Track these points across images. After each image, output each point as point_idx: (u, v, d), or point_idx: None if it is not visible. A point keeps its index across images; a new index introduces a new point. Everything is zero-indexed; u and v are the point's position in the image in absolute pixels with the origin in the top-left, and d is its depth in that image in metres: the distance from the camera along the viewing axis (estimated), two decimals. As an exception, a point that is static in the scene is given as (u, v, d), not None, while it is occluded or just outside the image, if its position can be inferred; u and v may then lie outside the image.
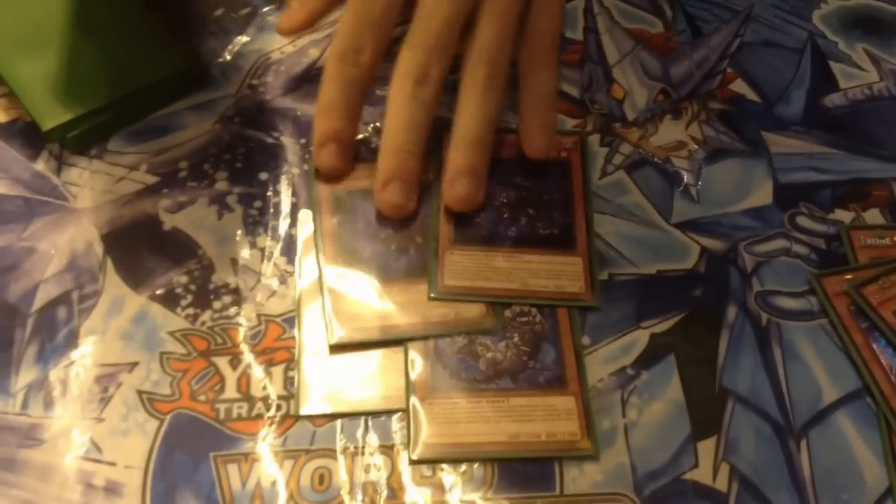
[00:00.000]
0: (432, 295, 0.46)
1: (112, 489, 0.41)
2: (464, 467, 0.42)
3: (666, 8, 0.59)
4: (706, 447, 0.43)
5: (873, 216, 0.51)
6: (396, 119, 0.47)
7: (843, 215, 0.50)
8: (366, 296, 0.46)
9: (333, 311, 0.46)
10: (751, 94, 0.55)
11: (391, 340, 0.45)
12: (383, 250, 0.48)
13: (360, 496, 0.41)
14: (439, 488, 0.42)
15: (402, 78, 0.47)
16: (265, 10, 0.57)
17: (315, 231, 0.48)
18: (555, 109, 0.50)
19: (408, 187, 0.47)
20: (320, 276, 0.47)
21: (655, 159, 0.52)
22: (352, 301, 0.46)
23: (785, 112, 0.54)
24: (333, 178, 0.49)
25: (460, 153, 0.47)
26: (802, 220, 0.50)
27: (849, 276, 0.48)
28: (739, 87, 0.56)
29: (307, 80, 0.55)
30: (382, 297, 0.46)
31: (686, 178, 0.51)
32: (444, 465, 0.42)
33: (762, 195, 0.51)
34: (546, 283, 0.47)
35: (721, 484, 0.42)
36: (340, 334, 0.45)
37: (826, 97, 0.55)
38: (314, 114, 0.49)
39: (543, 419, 0.43)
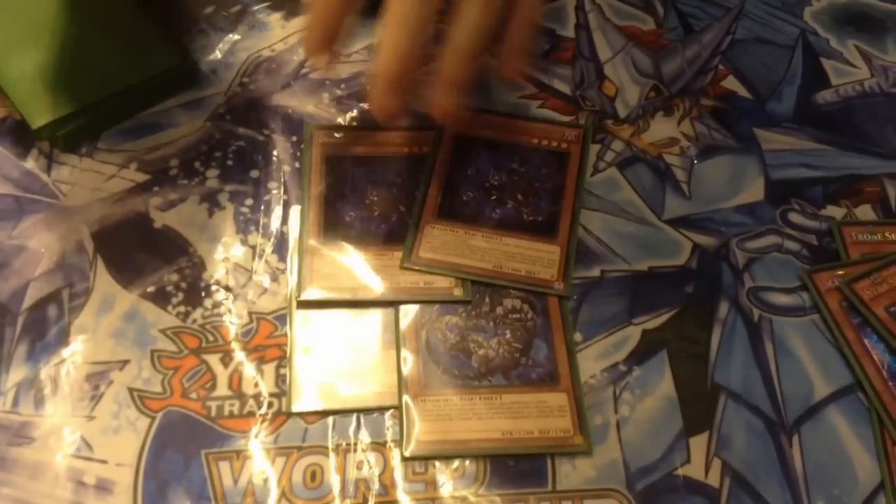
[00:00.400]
0: (405, 264, 0.46)
1: (103, 487, 0.41)
2: (456, 464, 0.42)
3: (657, 5, 0.59)
4: (698, 443, 0.43)
5: (865, 212, 0.51)
6: (394, 25, 0.44)
7: (835, 211, 0.51)
8: (341, 258, 0.47)
9: (308, 270, 0.46)
10: (742, 91, 0.55)
11: (359, 302, 0.46)
12: (366, 216, 0.48)
13: (352, 493, 0.41)
14: (431, 485, 0.41)
15: None
16: (256, 7, 0.57)
17: (303, 192, 0.49)
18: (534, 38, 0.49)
19: (400, 94, 0.45)
20: (301, 236, 0.48)
21: (647, 156, 0.52)
22: (327, 261, 0.47)
23: (776, 109, 0.54)
24: (390, 117, 0.47)
25: (444, 61, 0.45)
26: (794, 217, 0.50)
27: (840, 272, 0.48)
28: (731, 83, 0.55)
29: (298, 78, 0.54)
30: (357, 261, 0.47)
31: (678, 174, 0.51)
32: (437, 462, 0.42)
33: (754, 192, 0.51)
34: (519, 267, 0.47)
35: (713, 479, 0.42)
36: (310, 292, 0.45)
37: (818, 94, 0.55)
38: (380, 59, 0.45)
39: (536, 415, 0.43)
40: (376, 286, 0.46)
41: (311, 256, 0.47)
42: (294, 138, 0.52)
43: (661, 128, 0.53)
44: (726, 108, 0.54)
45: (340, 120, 0.52)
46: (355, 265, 0.47)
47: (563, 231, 0.49)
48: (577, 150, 0.51)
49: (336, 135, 0.52)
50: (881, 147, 0.53)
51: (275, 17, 0.57)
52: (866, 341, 0.46)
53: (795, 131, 0.54)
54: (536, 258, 0.47)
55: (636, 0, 0.59)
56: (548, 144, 0.51)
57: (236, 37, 0.56)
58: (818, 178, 0.52)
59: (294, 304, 0.46)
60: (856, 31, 0.58)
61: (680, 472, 0.42)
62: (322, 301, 0.46)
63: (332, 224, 0.48)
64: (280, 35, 0.56)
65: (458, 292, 0.46)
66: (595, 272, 0.48)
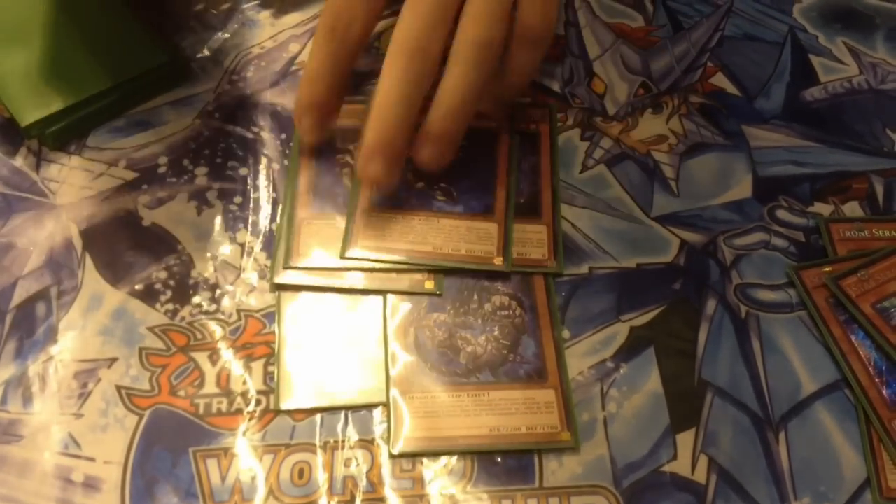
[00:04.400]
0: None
1: (91, 485, 0.41)
2: (444, 461, 0.42)
3: (647, 2, 0.59)
4: (685, 439, 0.43)
5: (852, 209, 0.51)
6: (387, 93, 0.45)
7: (823, 208, 0.51)
8: (325, 243, 0.47)
9: (290, 251, 0.47)
10: (731, 88, 0.55)
11: (334, 289, 0.46)
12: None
13: (339, 490, 0.41)
14: (419, 482, 0.42)
15: (396, 50, 0.45)
16: (246, 5, 0.57)
17: (289, 172, 0.50)
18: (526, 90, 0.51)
19: (391, 163, 0.46)
20: (289, 216, 0.48)
21: (636, 153, 0.52)
22: (310, 244, 0.47)
23: (765, 106, 0.55)
24: (313, 146, 0.50)
25: (433, 118, 0.46)
26: (782, 213, 0.50)
27: (827, 269, 0.48)
28: (720, 80, 0.56)
29: (287, 76, 0.54)
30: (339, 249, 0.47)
31: (666, 171, 0.52)
32: (424, 459, 0.42)
33: (742, 188, 0.51)
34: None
35: (700, 476, 0.42)
36: (288, 275, 0.46)
37: (806, 91, 0.56)
38: (299, 83, 0.48)
39: (524, 412, 0.43)
40: (357, 278, 0.46)
41: (294, 238, 0.47)
42: (283, 136, 0.52)
43: (649, 125, 0.54)
44: (715, 105, 0.54)
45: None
46: (337, 253, 0.47)
47: (547, 211, 0.49)
48: (545, 129, 0.52)
49: None
50: (869, 144, 0.53)
51: (264, 15, 0.57)
52: (853, 338, 0.46)
53: (784, 128, 0.54)
54: (522, 241, 0.48)
55: (626, -3, 0.59)
56: (516, 127, 0.52)
57: (226, 34, 0.56)
58: (806, 175, 0.52)
59: (282, 302, 0.46)
60: (844, 27, 0.59)
61: (667, 468, 0.42)
62: (298, 286, 0.46)
63: (320, 208, 0.49)
64: (270, 32, 0.56)
65: (428, 285, 0.46)
66: (583, 269, 0.48)
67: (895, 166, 0.52)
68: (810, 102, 0.55)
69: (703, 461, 0.43)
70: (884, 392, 0.44)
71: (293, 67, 0.55)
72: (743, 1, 0.59)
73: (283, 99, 0.54)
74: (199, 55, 0.55)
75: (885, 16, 0.59)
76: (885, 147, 0.53)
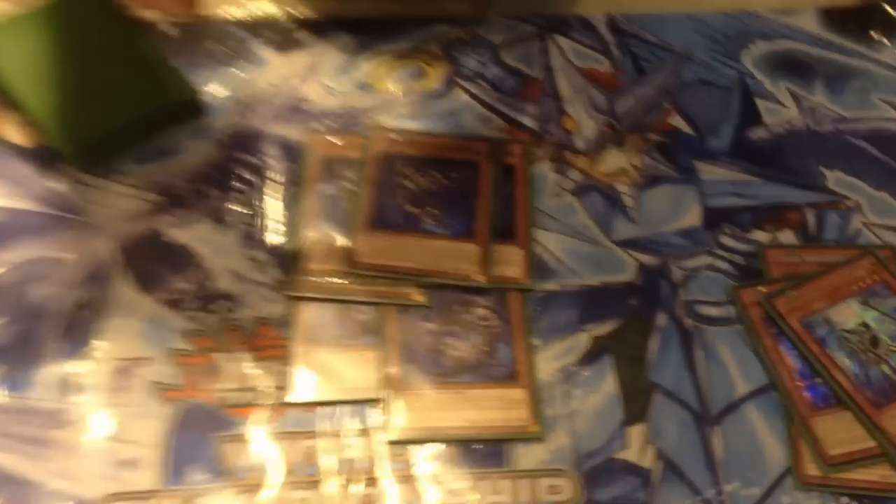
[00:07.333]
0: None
1: (132, 464, 0.48)
2: (431, 447, 0.49)
3: (613, 49, 0.66)
4: (636, 432, 0.51)
5: (787, 237, 0.58)
6: None
7: (762, 236, 0.58)
8: (329, 260, 0.55)
9: (298, 266, 0.54)
10: (685, 128, 0.62)
11: (338, 300, 0.54)
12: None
13: (341, 471, 0.48)
14: (409, 465, 0.49)
15: None
16: (254, 45, 0.64)
17: (297, 196, 0.57)
18: None
19: None
20: (298, 235, 0.55)
21: (600, 184, 0.59)
22: (317, 249, 0.55)
23: (715, 144, 0.62)
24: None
25: None
26: (726, 240, 0.58)
27: (762, 289, 0.55)
28: (676, 120, 0.63)
29: (292, 109, 0.61)
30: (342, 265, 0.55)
31: (626, 201, 0.59)
32: (414, 445, 0.49)
33: (692, 217, 0.59)
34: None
35: (647, 462, 0.50)
36: (297, 287, 0.54)
37: (751, 131, 0.63)
38: None
39: (499, 407, 0.51)
40: (354, 289, 0.54)
41: (305, 244, 0.55)
42: (290, 163, 0.59)
43: (613, 159, 0.61)
44: (670, 142, 0.62)
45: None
46: (341, 258, 0.55)
47: (522, 235, 0.56)
48: (521, 162, 0.59)
49: (332, 140, 0.60)
50: (804, 179, 0.60)
51: (272, 54, 0.64)
52: (781, 348, 0.53)
53: (730, 164, 0.61)
54: (500, 260, 0.55)
55: (595, 44, 0.66)
56: (496, 160, 0.60)
57: (237, 71, 0.63)
58: (748, 207, 0.59)
59: (293, 310, 0.53)
60: (788, 74, 0.65)
61: (619, 456, 0.50)
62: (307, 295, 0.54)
63: (325, 217, 0.56)
64: (276, 71, 0.63)
65: (419, 297, 0.54)
66: (553, 286, 0.55)
67: (826, 200, 0.60)
68: (754, 141, 0.62)
69: (650, 451, 0.50)
70: (805, 394, 0.52)
71: (298, 102, 0.62)
72: (699, 49, 0.66)
73: (289, 130, 0.60)
74: (214, 90, 0.62)
75: (825, 65, 0.66)
76: (818, 183, 0.60)
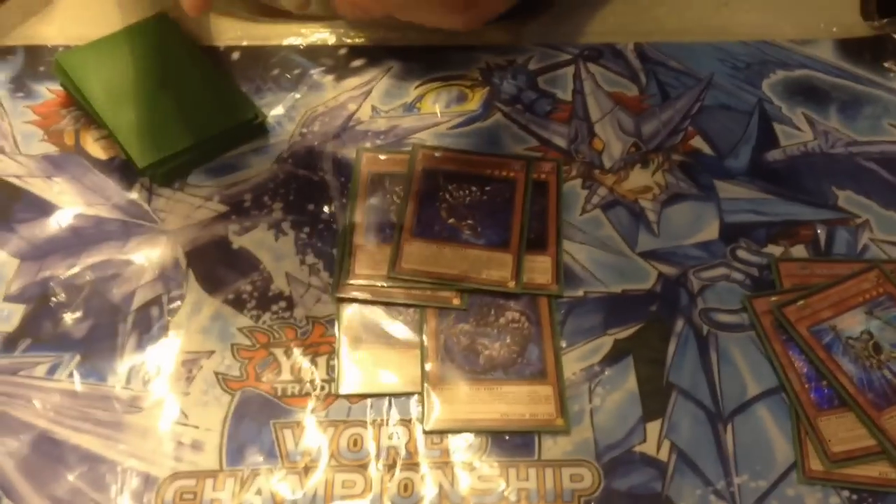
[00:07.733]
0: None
1: (196, 446, 0.53)
2: (465, 437, 0.54)
3: (641, 75, 0.71)
4: (653, 427, 0.55)
5: (799, 251, 0.62)
6: None
7: (775, 250, 0.62)
8: (375, 266, 0.60)
9: (347, 270, 0.59)
10: (706, 149, 0.66)
11: (382, 302, 0.59)
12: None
13: (384, 457, 0.53)
14: (445, 452, 0.54)
15: None
16: (313, 71, 0.69)
17: (347, 208, 0.62)
18: None
19: None
20: (347, 243, 0.60)
21: (626, 200, 0.64)
22: (363, 266, 0.59)
23: (734, 164, 0.66)
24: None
25: None
26: (741, 253, 0.62)
27: (774, 298, 0.59)
28: (698, 142, 0.67)
29: (347, 130, 0.67)
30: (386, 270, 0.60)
31: (649, 216, 0.63)
32: (450, 435, 0.54)
33: (710, 231, 0.63)
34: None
35: (663, 455, 0.54)
36: (345, 290, 0.59)
37: (768, 153, 0.66)
38: None
39: (528, 402, 0.55)
40: (396, 292, 0.59)
41: (355, 254, 0.60)
42: (342, 179, 0.64)
43: (638, 177, 0.65)
44: (692, 162, 0.66)
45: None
46: (384, 269, 0.60)
47: (552, 245, 0.61)
48: (553, 179, 0.64)
49: (381, 157, 0.65)
50: (817, 198, 0.64)
51: (328, 79, 0.69)
52: (790, 353, 0.57)
53: (747, 183, 0.65)
54: (531, 268, 0.60)
55: (623, 70, 0.71)
56: (530, 177, 0.64)
57: (297, 95, 0.68)
58: (763, 223, 0.63)
59: (341, 311, 0.58)
60: (804, 100, 0.69)
61: (637, 449, 0.54)
62: (358, 299, 0.59)
63: (372, 229, 0.61)
64: (332, 94, 0.68)
65: (456, 301, 0.59)
66: (580, 293, 0.60)
67: (837, 217, 0.63)
68: (771, 162, 0.66)
69: (666, 444, 0.54)
70: (811, 396, 0.56)
71: (351, 123, 0.67)
72: (721, 76, 0.71)
73: (344, 149, 0.65)
74: (276, 112, 0.67)
75: (839, 92, 0.70)
76: (829, 201, 0.64)
